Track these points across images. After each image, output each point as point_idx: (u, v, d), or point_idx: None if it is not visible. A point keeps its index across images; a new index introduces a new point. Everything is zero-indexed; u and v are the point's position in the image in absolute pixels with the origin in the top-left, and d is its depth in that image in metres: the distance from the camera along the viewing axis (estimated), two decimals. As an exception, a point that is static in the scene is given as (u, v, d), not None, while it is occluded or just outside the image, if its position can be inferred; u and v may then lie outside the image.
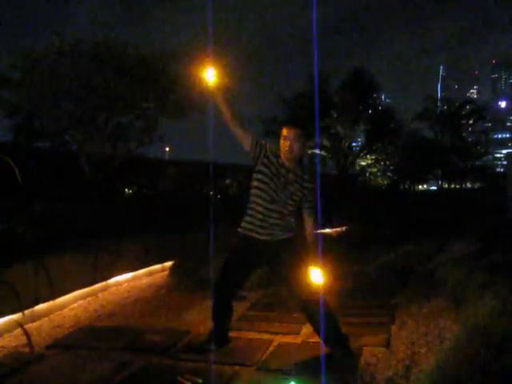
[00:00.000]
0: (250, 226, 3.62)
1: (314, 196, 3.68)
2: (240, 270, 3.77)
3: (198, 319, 4.63)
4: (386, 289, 5.71)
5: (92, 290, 5.66)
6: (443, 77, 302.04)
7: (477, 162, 45.27)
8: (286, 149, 3.56)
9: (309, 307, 3.58)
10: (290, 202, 3.58)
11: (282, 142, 3.61)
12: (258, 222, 3.59)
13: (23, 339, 3.93)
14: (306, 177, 3.64)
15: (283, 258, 3.59)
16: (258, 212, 3.58)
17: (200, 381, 3.16)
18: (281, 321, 4.57)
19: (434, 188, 58.43)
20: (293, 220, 3.66)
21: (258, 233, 3.59)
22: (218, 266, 3.86)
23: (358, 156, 29.02)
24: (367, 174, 30.10)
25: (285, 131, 3.59)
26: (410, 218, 13.96)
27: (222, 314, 3.81)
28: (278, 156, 3.60)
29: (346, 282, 6.00)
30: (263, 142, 3.65)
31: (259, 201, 3.57)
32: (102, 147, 10.88)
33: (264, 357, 3.62)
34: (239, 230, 3.68)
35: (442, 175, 42.99)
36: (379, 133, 27.81)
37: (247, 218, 3.64)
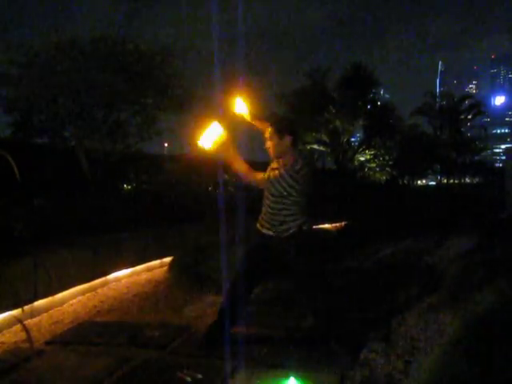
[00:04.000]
0: (260, 221, 3.73)
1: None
2: (256, 268, 3.75)
3: (198, 314, 4.64)
4: (385, 284, 5.71)
5: (91, 286, 5.67)
6: (442, 72, 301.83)
7: (476, 157, 45.32)
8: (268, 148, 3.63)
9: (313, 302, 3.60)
10: (271, 197, 3.58)
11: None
12: (261, 217, 3.70)
13: (23, 335, 3.94)
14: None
15: (289, 255, 3.61)
16: (263, 207, 3.70)
17: (199, 376, 3.17)
18: (281, 316, 4.58)
19: (432, 183, 58.47)
20: (292, 216, 3.61)
21: (264, 227, 3.66)
22: (217, 262, 3.88)
23: (356, 151, 29.00)
24: (366, 169, 30.05)
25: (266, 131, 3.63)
26: (409, 213, 13.95)
27: (232, 311, 3.79)
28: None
29: (345, 277, 6.01)
30: None
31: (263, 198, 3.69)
32: (101, 143, 10.87)
33: (264, 352, 3.63)
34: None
35: (441, 170, 43.02)
36: (378, 128, 27.81)
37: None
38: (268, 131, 3.58)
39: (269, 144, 3.59)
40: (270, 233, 3.62)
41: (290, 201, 3.56)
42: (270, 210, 3.59)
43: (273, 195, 3.54)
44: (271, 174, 3.55)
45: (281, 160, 3.58)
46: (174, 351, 3.71)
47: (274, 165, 3.62)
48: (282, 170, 3.49)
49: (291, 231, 3.58)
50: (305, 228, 3.64)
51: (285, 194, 3.51)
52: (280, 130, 3.57)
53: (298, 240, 3.62)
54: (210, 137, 3.48)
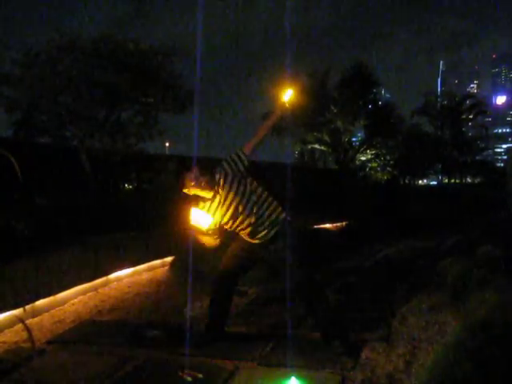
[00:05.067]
0: (244, 235, 3.70)
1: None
2: (239, 266, 3.79)
3: (199, 314, 4.64)
4: (386, 284, 5.70)
5: (92, 285, 5.67)
6: (443, 71, 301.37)
7: (477, 157, 45.24)
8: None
9: (310, 300, 3.61)
10: (251, 197, 3.55)
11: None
12: (246, 234, 3.67)
13: (24, 334, 3.94)
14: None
15: (275, 250, 3.62)
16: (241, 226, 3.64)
17: (200, 375, 3.17)
18: (281, 315, 4.57)
19: (434, 183, 58.44)
20: (274, 212, 3.61)
21: (251, 239, 3.67)
22: (217, 261, 3.88)
23: (358, 151, 28.99)
24: (367, 169, 30.02)
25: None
26: (410, 213, 13.95)
27: (220, 309, 3.84)
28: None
29: (346, 277, 6.01)
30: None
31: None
32: (102, 143, 10.88)
33: (264, 351, 3.63)
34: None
35: (442, 170, 42.98)
36: (379, 128, 27.78)
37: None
38: (196, 187, 3.48)
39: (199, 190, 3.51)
40: (259, 241, 3.64)
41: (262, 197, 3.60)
42: (261, 219, 3.57)
43: (249, 193, 3.54)
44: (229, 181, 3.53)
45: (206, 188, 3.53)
46: (175, 351, 3.71)
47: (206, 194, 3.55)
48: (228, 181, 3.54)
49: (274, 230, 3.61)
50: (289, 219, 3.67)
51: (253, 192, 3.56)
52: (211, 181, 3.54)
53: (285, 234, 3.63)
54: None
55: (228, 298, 3.87)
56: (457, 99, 43.58)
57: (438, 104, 42.92)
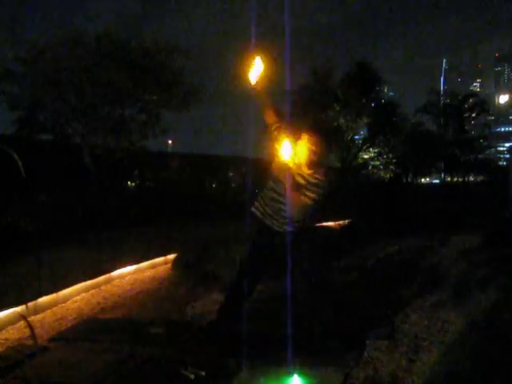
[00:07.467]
0: (270, 218, 3.67)
1: None
2: (260, 266, 3.76)
3: (201, 312, 4.64)
4: (389, 282, 5.70)
5: (95, 283, 5.67)
6: (446, 70, 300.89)
7: (480, 156, 45.12)
8: None
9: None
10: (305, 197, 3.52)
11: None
12: (270, 213, 3.65)
13: (26, 331, 3.95)
14: None
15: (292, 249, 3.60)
16: (271, 202, 3.65)
17: (202, 373, 3.17)
18: (284, 313, 4.57)
19: (436, 181, 58.35)
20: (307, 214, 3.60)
21: (275, 224, 3.64)
22: (221, 260, 3.88)
23: (360, 149, 28.93)
24: (370, 167, 29.95)
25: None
26: (413, 212, 13.93)
27: (233, 309, 3.82)
28: None
29: (348, 275, 6.00)
30: None
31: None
32: (105, 140, 10.88)
33: (267, 349, 3.62)
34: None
35: (445, 168, 42.90)
36: (382, 126, 27.71)
37: None
38: (307, 138, 3.46)
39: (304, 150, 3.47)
40: (281, 229, 3.60)
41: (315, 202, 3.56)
42: (287, 208, 3.55)
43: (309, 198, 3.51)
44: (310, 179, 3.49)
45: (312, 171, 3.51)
46: (177, 348, 3.71)
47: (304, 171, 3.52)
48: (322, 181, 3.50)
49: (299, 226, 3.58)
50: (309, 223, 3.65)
51: (317, 199, 3.52)
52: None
53: (309, 234, 3.62)
54: (255, 72, 3.47)
55: (242, 298, 3.82)
56: (459, 98, 43.52)
57: (441, 102, 42.86)
